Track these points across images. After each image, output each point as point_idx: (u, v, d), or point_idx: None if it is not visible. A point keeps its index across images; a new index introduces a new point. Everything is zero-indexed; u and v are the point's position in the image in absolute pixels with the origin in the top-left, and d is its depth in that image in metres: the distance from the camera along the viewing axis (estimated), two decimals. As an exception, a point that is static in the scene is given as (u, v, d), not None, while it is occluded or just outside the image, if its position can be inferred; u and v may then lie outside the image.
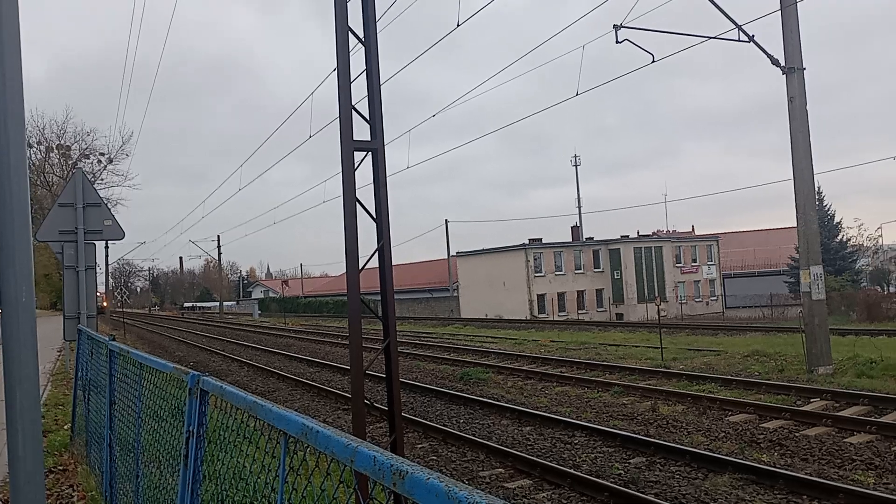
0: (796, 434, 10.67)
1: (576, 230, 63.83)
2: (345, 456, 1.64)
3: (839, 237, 54.33)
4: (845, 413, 11.67)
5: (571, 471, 8.84)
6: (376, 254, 7.88)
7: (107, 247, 51.56)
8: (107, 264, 62.23)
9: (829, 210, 53.04)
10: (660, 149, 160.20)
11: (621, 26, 15.41)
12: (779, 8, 15.99)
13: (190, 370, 3.44)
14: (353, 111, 7.59)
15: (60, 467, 8.37)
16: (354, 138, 7.66)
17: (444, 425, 12.26)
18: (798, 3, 15.97)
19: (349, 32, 7.64)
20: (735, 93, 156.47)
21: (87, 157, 53.16)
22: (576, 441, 10.79)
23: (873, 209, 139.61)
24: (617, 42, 15.43)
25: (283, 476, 2.17)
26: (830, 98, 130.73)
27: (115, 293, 72.09)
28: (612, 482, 8.40)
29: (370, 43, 7.65)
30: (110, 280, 71.56)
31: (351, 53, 7.74)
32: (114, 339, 6.01)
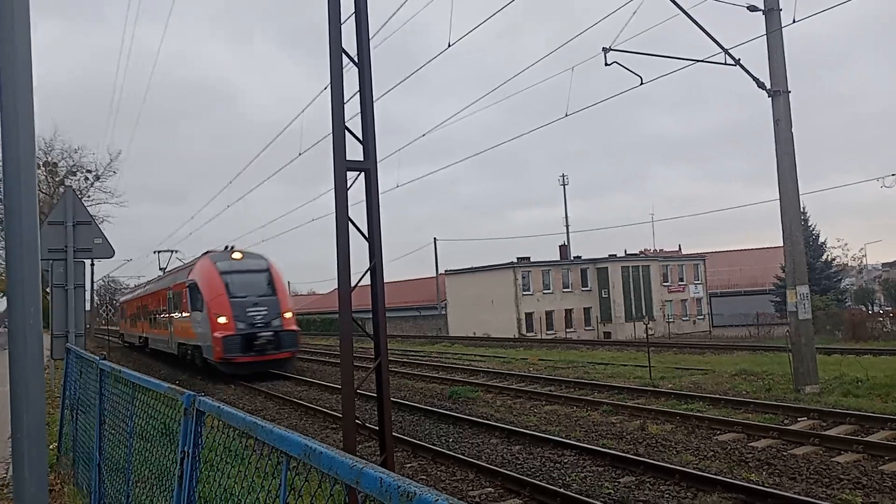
0: (784, 453, 10.72)
1: (564, 249, 64.05)
2: (349, 477, 1.66)
3: (824, 257, 54.86)
4: (832, 432, 11.74)
5: (561, 490, 8.83)
6: (368, 273, 7.91)
7: (92, 264, 50.14)
8: (92, 282, 59.73)
9: (813, 230, 53.57)
10: (629, 173, 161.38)
11: (610, 49, 15.62)
12: (764, 33, 16.27)
13: (185, 390, 3.45)
14: (346, 131, 7.65)
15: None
16: (346, 158, 7.72)
17: (434, 444, 12.21)
18: (783, 29, 16.26)
19: (342, 53, 7.72)
20: (696, 120, 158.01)
21: (74, 174, 52.90)
22: (565, 460, 10.79)
23: (855, 229, 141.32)
24: (606, 64, 15.62)
25: (283, 498, 2.18)
26: (801, 121, 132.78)
27: (101, 311, 70.37)
28: (602, 501, 8.40)
29: (363, 64, 7.73)
30: (95, 298, 68.39)
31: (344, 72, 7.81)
32: (104, 358, 5.99)
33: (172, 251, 43.63)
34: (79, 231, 9.67)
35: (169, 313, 30.16)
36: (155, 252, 45.04)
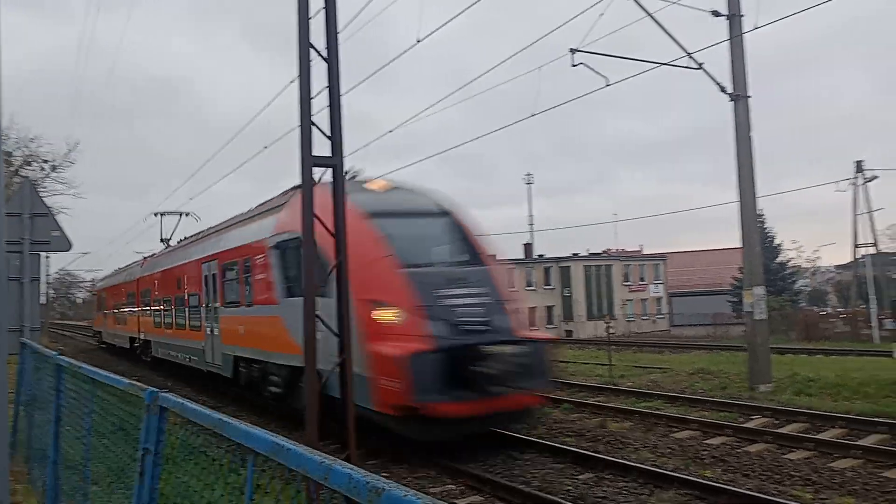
0: (738, 450, 10.96)
1: (528, 247, 64.47)
2: (318, 474, 1.68)
3: (779, 258, 56.22)
4: (785, 430, 12.05)
5: (522, 487, 8.91)
6: (333, 270, 7.88)
7: (48, 257, 47.96)
8: (47, 275, 56.89)
9: (769, 233, 54.84)
10: (594, 174, 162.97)
11: (577, 50, 15.78)
12: (727, 38, 16.59)
13: (147, 386, 3.42)
14: (314, 126, 7.61)
15: (-2, 485, 8.08)
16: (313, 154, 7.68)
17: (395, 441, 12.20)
18: (744, 35, 16.60)
19: (311, 48, 7.67)
20: (660, 122, 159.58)
21: (30, 164, 51.49)
22: (526, 457, 10.88)
23: (809, 232, 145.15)
24: (573, 65, 15.78)
25: (249, 494, 2.18)
26: (764, 123, 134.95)
27: (55, 305, 68.40)
28: (561, 498, 8.50)
29: (332, 59, 7.70)
30: (51, 292, 66.03)
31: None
32: (61, 354, 5.88)
33: (183, 213, 29.90)
34: (36, 223, 9.45)
35: (206, 303, 17.27)
36: (156, 214, 30.94)
